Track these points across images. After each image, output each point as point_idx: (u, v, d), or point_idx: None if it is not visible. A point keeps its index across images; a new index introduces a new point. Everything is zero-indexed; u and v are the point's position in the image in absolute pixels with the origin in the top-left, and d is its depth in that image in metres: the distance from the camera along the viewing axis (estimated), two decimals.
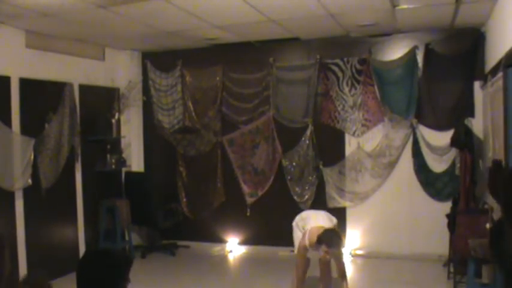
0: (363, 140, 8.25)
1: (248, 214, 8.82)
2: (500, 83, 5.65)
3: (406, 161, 8.10)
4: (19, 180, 6.93)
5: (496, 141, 6.27)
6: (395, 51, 8.09)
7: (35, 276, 3.04)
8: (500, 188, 1.97)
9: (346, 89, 8.26)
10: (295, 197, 8.53)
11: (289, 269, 7.89)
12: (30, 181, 7.06)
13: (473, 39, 7.67)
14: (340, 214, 8.29)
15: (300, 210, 8.34)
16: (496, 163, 5.43)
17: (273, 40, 8.40)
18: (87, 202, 8.20)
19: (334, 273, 6.11)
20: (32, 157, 7.08)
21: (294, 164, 8.54)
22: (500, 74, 5.71)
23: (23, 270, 6.86)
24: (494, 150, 6.45)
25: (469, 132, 7.37)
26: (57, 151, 7.53)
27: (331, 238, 5.56)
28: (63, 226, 7.86)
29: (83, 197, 8.15)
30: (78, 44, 8.11)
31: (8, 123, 6.81)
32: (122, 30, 7.39)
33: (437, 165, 7.96)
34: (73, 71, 7.98)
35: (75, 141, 7.88)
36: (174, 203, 9.13)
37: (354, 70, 8.21)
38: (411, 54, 7.95)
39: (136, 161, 9.34)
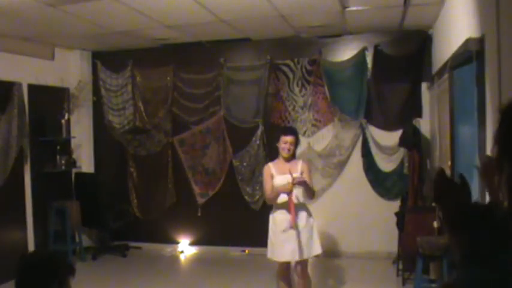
0: (313, 140, 8.31)
1: (199, 214, 8.79)
2: (446, 84, 5.78)
3: (356, 161, 8.21)
4: None
5: (442, 141, 6.41)
6: (345, 52, 8.19)
7: None
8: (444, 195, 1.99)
9: (297, 90, 8.32)
10: (246, 197, 8.54)
11: (241, 269, 7.95)
12: None
13: (420, 41, 7.82)
14: None
15: (251, 210, 8.45)
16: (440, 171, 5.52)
17: (223, 40, 8.39)
18: (36, 204, 8.03)
19: None
20: None
21: (244, 164, 8.55)
22: (446, 76, 5.84)
23: None
24: (441, 150, 6.60)
25: (417, 132, 7.52)
26: (5, 152, 7.36)
27: (284, 127, 5.07)
28: (12, 228, 7.68)
29: (32, 198, 7.99)
30: (27, 43, 7.93)
31: None
32: (71, 29, 7.26)
33: (386, 164, 8.09)
34: (22, 70, 7.80)
35: (24, 142, 7.72)
36: (125, 203, 9.04)
37: (304, 71, 8.26)
38: (360, 55, 8.05)
39: (86, 162, 9.18)
